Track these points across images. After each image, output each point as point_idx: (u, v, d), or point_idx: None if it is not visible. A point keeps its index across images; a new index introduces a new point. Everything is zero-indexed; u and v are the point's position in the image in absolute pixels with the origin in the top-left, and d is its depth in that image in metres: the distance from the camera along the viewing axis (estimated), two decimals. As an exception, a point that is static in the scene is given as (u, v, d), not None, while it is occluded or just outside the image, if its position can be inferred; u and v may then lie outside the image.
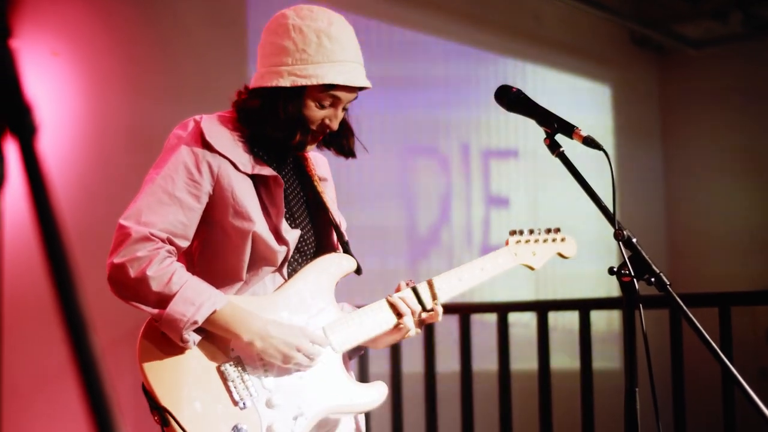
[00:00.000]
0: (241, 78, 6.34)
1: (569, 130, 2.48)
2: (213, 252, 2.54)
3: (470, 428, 4.92)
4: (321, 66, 2.50)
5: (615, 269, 2.44)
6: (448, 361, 5.52)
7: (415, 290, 2.71)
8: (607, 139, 9.19)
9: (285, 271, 2.60)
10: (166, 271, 2.41)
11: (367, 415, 5.21)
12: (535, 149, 7.93)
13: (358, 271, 2.70)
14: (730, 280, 7.72)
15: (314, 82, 2.49)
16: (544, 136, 2.54)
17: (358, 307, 2.73)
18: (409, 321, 2.66)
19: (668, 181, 9.54)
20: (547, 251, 2.99)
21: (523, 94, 2.61)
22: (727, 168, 9.15)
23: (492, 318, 4.92)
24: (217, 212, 2.51)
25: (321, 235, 2.74)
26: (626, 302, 2.41)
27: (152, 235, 2.44)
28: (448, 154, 7.47)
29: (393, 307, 2.67)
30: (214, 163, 2.51)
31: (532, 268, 2.95)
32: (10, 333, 4.75)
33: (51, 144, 5.33)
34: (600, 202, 2.46)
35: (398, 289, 2.72)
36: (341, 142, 2.71)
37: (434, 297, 2.72)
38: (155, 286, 2.39)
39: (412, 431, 5.34)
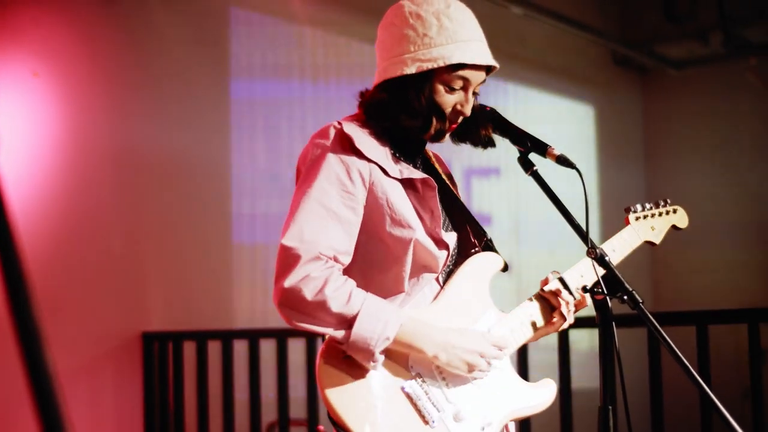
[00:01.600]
0: (224, 97, 6.36)
1: (542, 148, 2.48)
2: (373, 265, 2.42)
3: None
4: (445, 47, 2.39)
5: (588, 287, 2.44)
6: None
7: (562, 280, 2.60)
8: (590, 159, 9.22)
9: (440, 278, 2.50)
10: (344, 290, 2.27)
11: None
12: (517, 167, 7.93)
13: (506, 268, 2.60)
14: (714, 298, 7.75)
15: (441, 63, 2.37)
16: (518, 155, 2.53)
17: None
18: (562, 312, 2.57)
19: (651, 200, 9.55)
20: (663, 224, 2.93)
21: (498, 113, 2.60)
22: (709, 187, 9.19)
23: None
24: (373, 222, 2.39)
25: (462, 234, 2.62)
26: (600, 320, 2.41)
27: (321, 254, 2.29)
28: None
29: (546, 301, 2.58)
30: (365, 171, 2.38)
31: (653, 244, 2.91)
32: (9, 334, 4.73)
33: (32, 164, 5.32)
34: (573, 220, 2.46)
35: (545, 282, 2.61)
36: (478, 131, 2.58)
37: (583, 281, 2.61)
38: (335, 306, 2.25)
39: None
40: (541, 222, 7.22)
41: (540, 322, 2.58)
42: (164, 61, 5.98)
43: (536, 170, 2.51)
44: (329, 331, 2.27)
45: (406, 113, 2.41)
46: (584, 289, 2.47)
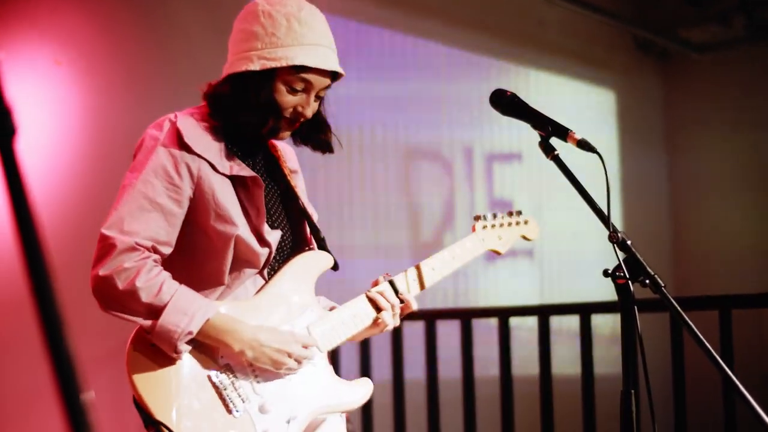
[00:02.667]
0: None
1: (563, 133, 2.48)
2: (194, 256, 2.49)
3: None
4: (291, 48, 2.46)
5: (610, 271, 2.43)
6: (444, 367, 5.52)
7: (392, 283, 2.69)
8: (611, 145, 9.18)
9: (265, 272, 2.56)
10: (155, 282, 2.35)
11: (368, 421, 5.21)
12: (539, 152, 7.92)
13: (335, 267, 2.67)
14: (736, 285, 7.71)
15: (284, 63, 2.45)
16: (539, 139, 2.53)
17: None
18: (387, 315, 2.65)
19: (673, 185, 9.52)
20: (512, 234, 2.99)
21: (518, 97, 2.61)
22: (733, 172, 9.14)
23: (495, 322, 4.92)
24: (197, 216, 2.46)
25: (296, 231, 2.69)
26: (622, 305, 2.41)
27: (138, 244, 2.38)
28: (451, 159, 7.47)
29: (372, 302, 2.65)
30: (193, 166, 2.45)
31: (498, 253, 2.96)
32: (11, 334, 4.76)
33: (54, 151, 5.35)
34: (594, 205, 2.46)
35: (376, 283, 2.70)
36: (318, 136, 2.66)
37: (412, 287, 2.72)
38: (145, 297, 2.34)
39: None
40: (565, 207, 7.20)
41: (364, 322, 2.65)
42: (184, 49, 5.99)
43: (557, 155, 2.51)
44: (138, 320, 2.35)
45: (244, 108, 2.48)
46: (606, 274, 2.46)
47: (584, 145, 2.43)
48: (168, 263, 2.46)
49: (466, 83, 7.62)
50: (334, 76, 2.58)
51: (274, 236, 2.54)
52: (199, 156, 2.45)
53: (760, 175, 9.01)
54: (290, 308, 2.56)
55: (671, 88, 9.69)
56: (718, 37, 9.08)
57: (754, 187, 8.99)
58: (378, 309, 2.65)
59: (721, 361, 2.31)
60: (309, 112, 2.54)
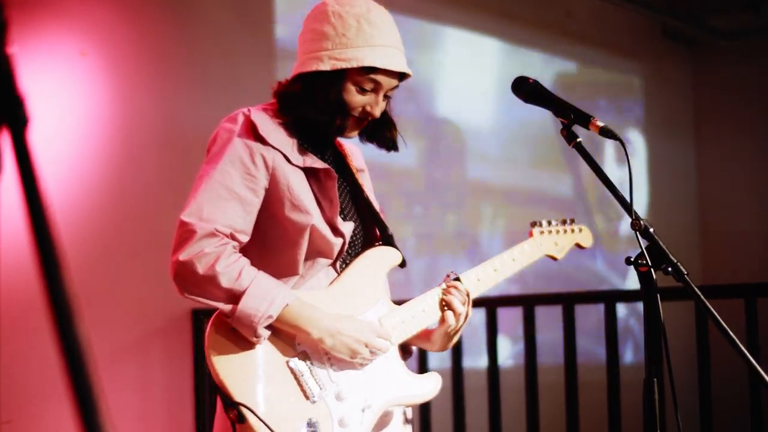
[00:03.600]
0: (270, 76, 6.37)
1: (586, 120, 2.48)
2: (270, 246, 2.54)
3: (536, 422, 4.89)
4: (361, 50, 2.51)
5: (632, 259, 2.42)
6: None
7: (458, 281, 2.72)
8: (639, 133, 9.13)
9: (338, 264, 2.61)
10: (235, 267, 2.39)
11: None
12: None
13: (403, 264, 2.71)
14: (765, 275, 7.65)
15: (354, 64, 2.50)
16: (561, 126, 2.53)
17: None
18: (450, 316, 2.66)
19: (701, 173, 9.46)
20: (567, 241, 3.04)
21: (540, 85, 2.62)
22: (761, 160, 9.07)
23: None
24: (273, 206, 2.51)
25: (366, 226, 2.74)
26: (644, 292, 2.40)
27: (217, 230, 2.43)
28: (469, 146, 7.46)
29: (440, 300, 2.68)
30: (268, 156, 2.51)
31: (555, 258, 3.00)
32: (16, 330, 4.79)
33: (80, 143, 5.37)
34: (617, 192, 2.44)
35: (445, 279, 2.73)
36: (384, 134, 2.71)
37: (476, 287, 2.75)
38: (225, 282, 2.37)
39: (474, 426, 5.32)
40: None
41: (432, 318, 2.68)
42: (210, 40, 6.00)
43: (580, 142, 2.51)
44: (218, 305, 2.39)
45: (313, 107, 2.54)
46: (628, 261, 2.44)
47: (607, 132, 2.42)
48: (245, 253, 2.50)
49: (489, 71, 7.60)
50: (402, 76, 2.62)
51: (347, 227, 2.59)
52: (273, 147, 2.52)
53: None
54: (362, 300, 2.60)
55: (699, 76, 9.62)
56: (747, 25, 9.00)
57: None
58: (445, 306, 2.67)
59: (744, 350, 2.29)
60: (377, 112, 2.60)
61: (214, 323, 2.45)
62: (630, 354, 7.77)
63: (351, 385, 2.51)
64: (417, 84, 6.79)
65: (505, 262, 2.84)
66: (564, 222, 3.04)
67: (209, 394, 5.73)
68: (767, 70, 9.05)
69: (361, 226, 2.70)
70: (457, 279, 2.72)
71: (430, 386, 2.68)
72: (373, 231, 2.75)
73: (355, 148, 2.87)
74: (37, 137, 4.32)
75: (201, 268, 2.38)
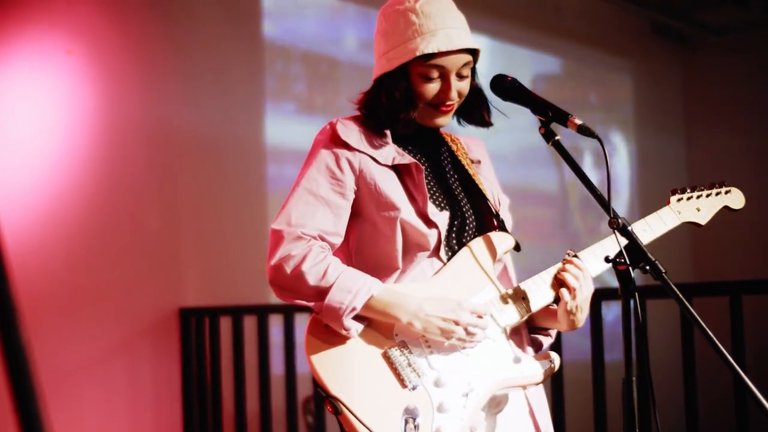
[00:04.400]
0: (257, 73, 6.36)
1: (564, 118, 2.46)
2: (366, 245, 2.59)
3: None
4: (413, 42, 2.55)
5: (611, 258, 2.41)
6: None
7: (576, 257, 2.65)
8: (629, 130, 9.14)
9: (443, 255, 2.61)
10: (322, 265, 2.45)
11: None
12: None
13: (517, 247, 2.69)
14: (756, 271, 7.66)
15: (407, 59, 2.55)
16: (539, 125, 2.52)
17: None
18: (567, 294, 2.56)
19: (691, 170, 9.47)
20: (713, 204, 2.97)
21: (518, 82, 2.61)
22: (752, 155, 9.07)
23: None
24: (364, 207, 2.57)
25: (479, 216, 2.73)
26: (623, 291, 2.38)
27: (304, 234, 2.49)
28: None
29: (556, 278, 2.61)
30: (354, 160, 2.56)
31: (699, 225, 2.95)
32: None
33: (67, 141, 5.36)
34: (595, 190, 2.43)
35: (567, 260, 2.64)
36: (473, 112, 2.73)
37: (598, 265, 2.64)
38: (312, 280, 2.44)
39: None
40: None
41: (546, 299, 2.61)
42: (197, 39, 5.99)
43: (558, 140, 2.50)
44: (309, 304, 2.46)
45: (383, 108, 2.59)
46: (607, 260, 2.44)
47: (584, 130, 2.41)
48: (346, 256, 2.60)
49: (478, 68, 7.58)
50: (470, 52, 2.63)
51: (441, 217, 2.60)
52: (358, 151, 2.58)
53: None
54: (467, 287, 2.59)
55: (689, 71, 9.62)
56: (736, 20, 9.01)
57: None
58: (562, 286, 2.60)
59: (722, 348, 2.28)
60: (453, 95, 2.60)
61: (311, 324, 2.52)
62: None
63: (452, 370, 2.49)
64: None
65: (638, 232, 2.69)
66: (712, 185, 2.98)
67: (197, 393, 5.72)
68: (757, 66, 9.06)
69: (474, 216, 2.70)
70: (576, 256, 2.65)
71: (541, 366, 2.57)
72: (487, 220, 2.73)
73: (473, 141, 2.89)
74: (23, 135, 4.34)
75: (289, 269, 2.45)
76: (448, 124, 2.70)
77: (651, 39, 9.39)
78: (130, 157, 5.66)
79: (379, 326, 2.50)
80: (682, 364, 4.08)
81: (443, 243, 2.60)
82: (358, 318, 2.46)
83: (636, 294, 2.35)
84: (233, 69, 6.20)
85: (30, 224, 5.16)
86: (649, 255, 2.36)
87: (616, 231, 2.40)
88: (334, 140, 2.59)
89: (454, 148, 2.81)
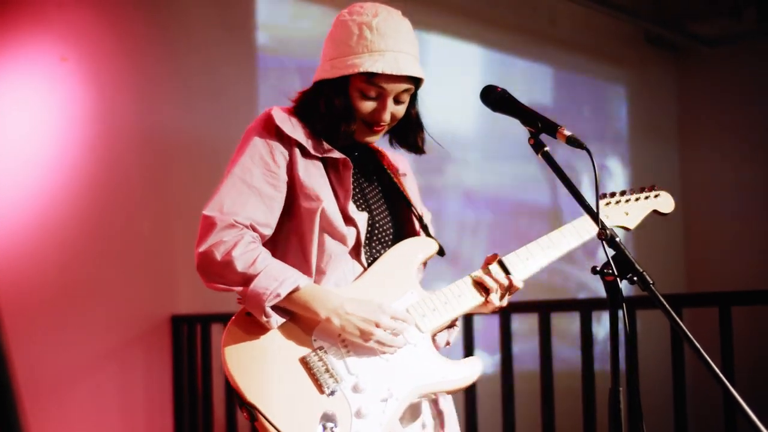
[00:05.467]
0: (251, 80, 6.36)
1: (553, 129, 2.47)
2: (290, 237, 2.59)
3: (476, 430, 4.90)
4: (360, 57, 2.55)
5: (598, 268, 2.42)
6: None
7: (501, 263, 2.69)
8: (622, 140, 9.15)
9: (364, 259, 2.62)
10: (251, 254, 2.46)
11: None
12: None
13: (441, 252, 2.71)
14: (748, 280, 7.67)
15: (350, 72, 2.55)
16: (529, 135, 2.52)
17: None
18: (494, 296, 2.66)
19: (684, 180, 9.48)
20: (641, 208, 2.96)
21: (508, 93, 2.61)
22: (745, 166, 9.09)
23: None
24: (292, 197, 2.58)
25: (400, 224, 2.76)
26: (610, 302, 2.39)
27: (236, 222, 2.50)
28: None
29: (479, 283, 2.66)
30: (286, 151, 2.58)
31: (627, 229, 2.92)
32: (13, 336, 4.77)
33: (61, 147, 5.36)
34: (583, 201, 2.44)
35: (486, 263, 2.70)
36: (407, 138, 2.75)
37: (524, 268, 2.70)
38: (240, 267, 2.44)
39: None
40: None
41: (469, 303, 2.66)
42: (190, 44, 6.00)
43: (547, 151, 2.50)
44: (234, 289, 2.46)
45: (319, 115, 2.60)
46: (594, 271, 2.44)
47: (573, 141, 2.41)
48: (270, 247, 2.58)
49: (474, 78, 7.60)
50: (414, 80, 2.66)
51: (360, 216, 2.61)
52: (291, 140, 2.58)
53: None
54: (389, 293, 2.60)
55: (682, 82, 9.64)
56: (729, 31, 9.03)
57: (766, 181, 8.94)
58: (485, 290, 2.65)
59: (709, 360, 2.28)
60: (386, 117, 2.61)
61: (236, 317, 2.51)
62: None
63: (371, 375, 2.49)
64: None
65: (557, 238, 2.77)
66: (642, 189, 2.97)
67: (188, 399, 5.72)
68: (750, 76, 9.08)
69: (391, 223, 2.72)
70: (500, 261, 2.69)
71: (466, 372, 2.62)
72: (407, 227, 2.76)
73: (400, 156, 2.90)
74: (18, 141, 4.34)
75: (219, 255, 2.46)
76: (376, 141, 2.72)
77: (645, 49, 9.41)
78: (123, 163, 5.66)
79: (296, 330, 2.49)
80: (672, 374, 4.09)
81: (363, 246, 2.61)
82: (281, 314, 2.47)
83: (624, 304, 2.36)
84: (227, 75, 6.21)
85: (23, 229, 5.16)
86: (637, 266, 2.37)
87: (604, 242, 2.41)
88: (269, 129, 2.59)
89: (380, 157, 2.84)
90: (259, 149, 2.58)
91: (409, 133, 2.74)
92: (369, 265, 2.62)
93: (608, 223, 2.84)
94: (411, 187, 2.87)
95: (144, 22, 5.80)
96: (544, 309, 4.60)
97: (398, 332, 2.51)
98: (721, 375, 2.28)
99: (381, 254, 2.65)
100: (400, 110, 2.65)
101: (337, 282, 2.56)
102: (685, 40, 9.28)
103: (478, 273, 2.67)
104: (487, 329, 5.67)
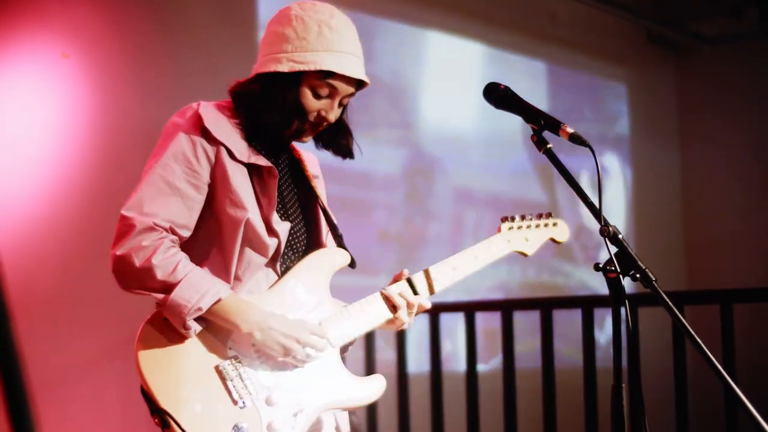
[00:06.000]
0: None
1: (556, 126, 2.48)
2: (209, 242, 2.54)
3: (477, 428, 4.91)
4: (319, 54, 2.53)
5: (601, 265, 2.43)
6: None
7: (410, 281, 2.71)
8: (623, 138, 9.15)
9: (278, 267, 2.60)
10: (171, 261, 2.42)
11: (374, 414, 5.21)
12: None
13: (352, 264, 2.70)
14: (749, 278, 7.68)
15: (311, 68, 2.52)
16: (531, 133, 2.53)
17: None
18: (403, 313, 2.66)
19: (685, 179, 9.48)
20: (539, 236, 2.99)
21: (511, 91, 2.62)
22: (746, 166, 9.09)
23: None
24: (214, 202, 2.52)
25: (312, 230, 2.74)
26: (613, 299, 2.40)
27: (156, 225, 2.45)
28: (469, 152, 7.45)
29: (388, 300, 2.67)
30: (211, 151, 2.51)
31: (525, 255, 2.95)
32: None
33: (62, 145, 5.36)
34: (587, 198, 2.45)
35: (396, 279, 2.72)
36: (340, 141, 2.72)
37: (430, 287, 2.73)
38: (160, 274, 2.40)
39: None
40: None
41: (378, 320, 2.67)
42: (192, 41, 6.00)
43: (550, 148, 2.51)
44: (153, 295, 2.43)
45: (271, 108, 2.55)
46: (597, 268, 2.45)
47: (576, 138, 2.43)
48: (186, 250, 2.52)
49: (474, 76, 7.60)
50: (359, 85, 2.64)
51: (283, 227, 2.58)
52: (218, 142, 2.52)
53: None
54: (303, 303, 2.59)
55: (683, 81, 9.64)
56: (730, 30, 9.03)
57: (766, 179, 8.94)
58: (393, 307, 2.66)
59: (711, 356, 2.29)
60: (332, 117, 2.61)
61: (142, 331, 2.48)
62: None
63: (283, 389, 2.49)
64: (399, 89, 6.79)
65: (467, 259, 2.81)
66: (540, 216, 3.00)
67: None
68: (750, 76, 9.08)
69: (305, 229, 2.70)
70: (409, 280, 2.71)
71: (371, 389, 2.64)
72: (320, 235, 2.75)
73: (311, 155, 2.87)
74: (18, 139, 4.33)
75: (138, 261, 2.41)
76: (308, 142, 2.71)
77: (646, 48, 9.41)
78: (124, 160, 5.66)
79: (212, 338, 2.46)
80: (673, 371, 4.10)
81: (280, 254, 2.59)
82: (198, 320, 2.44)
83: (626, 302, 2.37)
84: (228, 73, 6.17)
85: (23, 226, 5.16)
86: (640, 263, 2.37)
87: (606, 239, 2.41)
88: (194, 126, 2.54)
89: (299, 159, 2.81)
90: (182, 147, 2.52)
91: (341, 137, 2.72)
92: (282, 273, 2.61)
93: (509, 248, 2.87)
94: (322, 192, 2.85)
95: (145, 19, 5.80)
96: (546, 306, 4.61)
97: (319, 349, 2.52)
98: (723, 371, 2.29)
99: (294, 263, 2.63)
100: (338, 113, 2.65)
101: (251, 290, 2.54)
102: (686, 40, 9.28)
103: (387, 290, 2.68)
104: (486, 326, 5.68)
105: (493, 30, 7.82)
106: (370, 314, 2.66)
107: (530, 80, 8.06)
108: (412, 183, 7.00)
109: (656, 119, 9.54)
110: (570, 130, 2.44)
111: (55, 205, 5.29)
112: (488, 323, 5.55)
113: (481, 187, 7.54)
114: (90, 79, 5.51)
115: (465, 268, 2.80)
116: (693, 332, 2.29)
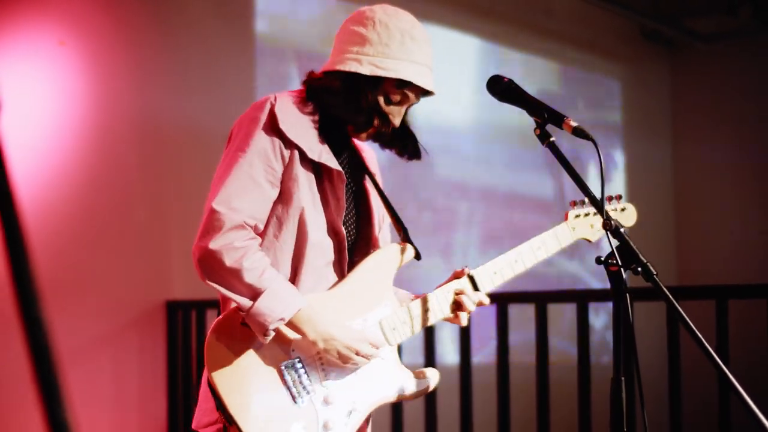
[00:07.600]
0: (249, 68, 6.36)
1: (559, 119, 2.48)
2: (274, 238, 2.58)
3: (469, 421, 4.92)
4: (401, 62, 2.58)
5: (603, 259, 2.43)
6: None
7: (471, 278, 2.73)
8: (616, 134, 9.17)
9: (337, 266, 2.65)
10: (260, 266, 2.46)
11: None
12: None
13: (418, 257, 2.73)
14: (741, 275, 7.70)
15: (393, 75, 2.57)
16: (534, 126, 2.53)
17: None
18: (464, 313, 2.71)
19: (678, 175, 9.51)
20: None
21: (514, 83, 2.62)
22: (738, 162, 9.12)
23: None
24: (283, 198, 2.57)
25: (363, 225, 2.77)
26: (614, 292, 2.41)
27: (245, 223, 2.49)
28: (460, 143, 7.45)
29: (454, 301, 2.70)
30: (286, 151, 2.56)
31: (589, 241, 2.95)
32: (7, 322, 4.77)
33: (58, 132, 5.36)
34: (589, 192, 2.46)
35: (455, 276, 2.74)
36: (406, 144, 2.76)
37: (492, 282, 2.75)
38: (248, 278, 2.44)
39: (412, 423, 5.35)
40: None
41: (437, 317, 2.72)
42: (189, 33, 5.99)
43: (553, 141, 2.51)
44: (237, 298, 2.45)
45: (354, 110, 2.59)
46: (599, 261, 2.45)
47: (579, 132, 2.43)
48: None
49: (468, 70, 7.61)
50: (424, 93, 2.70)
51: (345, 227, 2.64)
52: (292, 142, 2.56)
53: (765, 164, 9.00)
54: (364, 303, 2.64)
55: (677, 77, 9.67)
56: (724, 27, 9.06)
57: (760, 177, 8.98)
58: (455, 304, 2.69)
59: (712, 351, 2.30)
60: (397, 122, 2.66)
61: (217, 328, 2.51)
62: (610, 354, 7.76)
63: (341, 389, 2.56)
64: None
65: (526, 251, 2.81)
66: (610, 199, 2.98)
67: (182, 385, 5.73)
68: (744, 73, 9.11)
69: (356, 225, 2.73)
70: (471, 277, 2.73)
71: (423, 384, 2.71)
72: (371, 230, 2.78)
73: (371, 151, 2.91)
74: (14, 126, 4.33)
75: (228, 261, 2.44)
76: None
77: (640, 44, 9.43)
78: (120, 149, 5.66)
79: (277, 340, 2.52)
80: (667, 366, 4.11)
81: (341, 254, 2.64)
82: None
83: (628, 295, 2.38)
84: (225, 63, 6.21)
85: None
86: (642, 257, 2.38)
87: (608, 233, 2.42)
88: (272, 124, 2.57)
89: (360, 155, 2.84)
90: (263, 144, 2.56)
91: (408, 140, 2.76)
92: (342, 272, 2.65)
93: (575, 236, 2.87)
94: (383, 188, 2.88)
95: (142, 9, 5.79)
96: (541, 300, 4.62)
97: (375, 357, 2.58)
98: (722, 364, 2.30)
99: (356, 262, 2.68)
100: (402, 119, 2.70)
101: (312, 288, 2.59)
102: (681, 36, 9.30)
103: (450, 290, 2.71)
104: (481, 319, 5.68)
105: (489, 23, 7.83)
106: (430, 312, 2.70)
107: (524, 75, 8.06)
108: (404, 173, 7.00)
109: (649, 115, 9.56)
110: (573, 123, 2.45)
111: (48, 191, 5.28)
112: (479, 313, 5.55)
113: (474, 179, 7.55)
114: (86, 66, 5.51)
115: (529, 258, 2.81)
116: (692, 325, 2.30)
